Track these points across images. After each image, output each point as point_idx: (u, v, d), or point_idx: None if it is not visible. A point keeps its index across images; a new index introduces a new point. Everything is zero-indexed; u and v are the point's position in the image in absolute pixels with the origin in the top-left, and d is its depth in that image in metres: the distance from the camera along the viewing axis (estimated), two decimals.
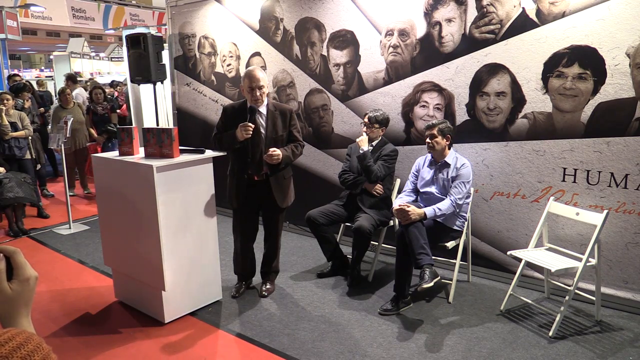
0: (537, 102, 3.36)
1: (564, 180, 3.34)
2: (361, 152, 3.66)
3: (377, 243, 3.89)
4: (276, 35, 4.82)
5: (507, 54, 3.43)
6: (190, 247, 3.23)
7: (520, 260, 3.18)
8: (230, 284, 3.69)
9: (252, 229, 3.56)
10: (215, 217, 3.38)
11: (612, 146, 3.13)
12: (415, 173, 3.63)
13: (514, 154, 3.52)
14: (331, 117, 4.54)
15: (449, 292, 3.45)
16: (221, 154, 3.34)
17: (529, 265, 3.25)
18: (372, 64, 4.17)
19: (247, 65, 5.09)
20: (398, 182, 3.97)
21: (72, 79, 8.18)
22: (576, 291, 3.00)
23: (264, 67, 4.94)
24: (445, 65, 3.73)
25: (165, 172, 3.01)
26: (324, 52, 4.48)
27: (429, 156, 3.56)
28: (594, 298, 3.10)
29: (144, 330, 3.13)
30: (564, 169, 3.33)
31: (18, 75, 8.89)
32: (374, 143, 3.79)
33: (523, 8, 3.33)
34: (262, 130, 3.31)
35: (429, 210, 3.24)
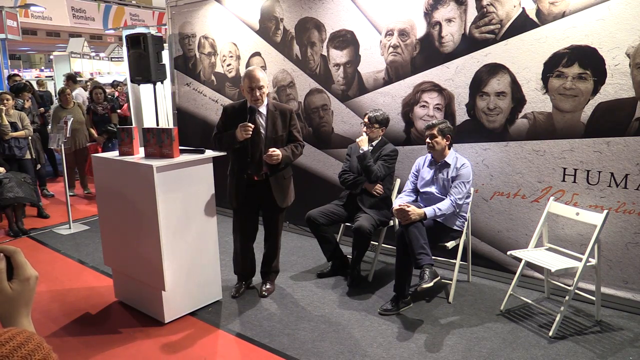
0: (537, 102, 3.37)
1: (564, 180, 3.34)
2: (361, 152, 3.66)
3: (377, 243, 3.89)
4: (276, 35, 4.82)
5: (507, 54, 3.43)
6: (190, 247, 3.23)
7: (520, 260, 3.18)
8: (230, 284, 3.69)
9: (252, 229, 3.56)
10: (215, 217, 3.38)
11: (612, 146, 3.13)
12: (415, 173, 3.63)
13: (514, 154, 3.52)
14: (331, 117, 4.54)
15: (449, 292, 3.45)
16: (221, 153, 3.34)
17: (529, 265, 3.25)
18: (372, 64, 4.17)
19: (247, 65, 5.09)
20: (398, 182, 3.97)
21: (72, 79, 8.18)
22: (576, 291, 3.00)
23: (264, 67, 4.94)
24: (445, 65, 3.73)
25: (165, 172, 3.01)
26: (324, 52, 4.48)
27: (429, 156, 3.56)
28: (594, 298, 3.10)
29: (144, 330, 3.13)
30: (564, 169, 3.33)
31: (18, 75, 8.90)
32: (374, 143, 3.79)
33: (523, 8, 3.33)
34: (262, 130, 3.31)
35: (429, 210, 3.24)
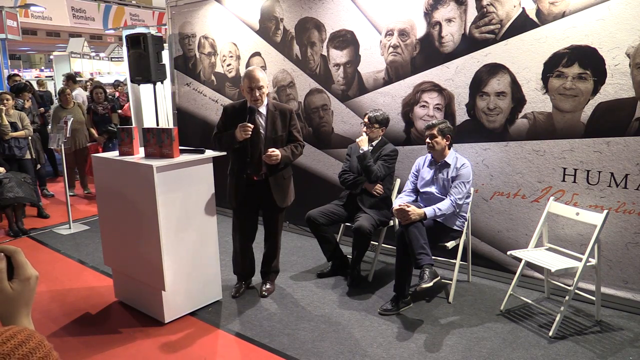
0: (537, 102, 3.37)
1: (564, 180, 3.34)
2: (361, 152, 3.66)
3: (377, 243, 3.89)
4: (276, 35, 4.82)
5: (507, 54, 3.43)
6: (190, 247, 3.24)
7: (520, 260, 3.18)
8: (230, 284, 3.69)
9: (251, 229, 3.56)
10: (215, 217, 3.38)
11: (612, 146, 3.13)
12: (415, 173, 3.63)
13: (514, 154, 3.52)
14: (331, 117, 4.54)
15: (449, 292, 3.45)
16: (221, 153, 3.34)
17: (529, 265, 3.25)
18: (372, 64, 4.17)
19: (247, 65, 5.09)
20: (398, 182, 3.98)
21: (72, 79, 8.18)
22: (576, 291, 3.00)
23: (264, 67, 4.94)
24: (445, 65, 3.73)
25: (165, 172, 3.02)
26: (324, 52, 4.48)
27: (429, 156, 3.56)
28: (594, 298, 3.10)
29: (144, 330, 3.13)
30: (564, 169, 3.33)
31: (18, 75, 8.90)
32: (374, 143, 3.79)
33: (523, 8, 3.33)
34: (262, 131, 3.31)
35: (429, 210, 3.25)
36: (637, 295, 3.19)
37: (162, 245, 3.03)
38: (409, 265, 3.25)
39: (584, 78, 3.16)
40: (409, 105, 4.00)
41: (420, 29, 3.83)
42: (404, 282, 3.29)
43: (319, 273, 3.91)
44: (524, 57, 3.37)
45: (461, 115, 3.72)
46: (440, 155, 3.44)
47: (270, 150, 3.23)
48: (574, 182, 3.30)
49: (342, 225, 4.06)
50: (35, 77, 14.22)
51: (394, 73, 4.04)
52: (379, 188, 3.72)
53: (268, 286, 3.62)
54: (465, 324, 3.12)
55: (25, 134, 5.49)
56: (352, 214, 3.76)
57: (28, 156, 5.56)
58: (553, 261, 3.03)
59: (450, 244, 3.40)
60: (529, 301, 3.30)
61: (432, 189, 3.47)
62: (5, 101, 5.38)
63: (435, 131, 3.39)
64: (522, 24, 3.35)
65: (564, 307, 2.96)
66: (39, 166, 6.16)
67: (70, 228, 5.27)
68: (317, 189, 4.62)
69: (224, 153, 3.36)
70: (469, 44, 3.59)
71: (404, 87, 4.00)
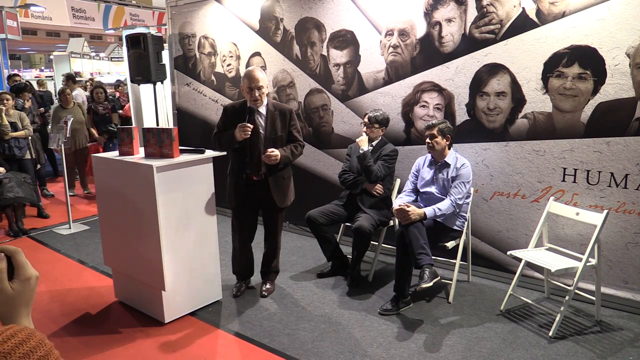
0: (537, 102, 3.37)
1: (564, 180, 3.34)
2: (361, 152, 3.66)
3: (377, 243, 3.89)
4: (276, 35, 4.82)
5: (507, 54, 3.43)
6: (190, 247, 3.24)
7: (520, 260, 3.18)
8: (230, 284, 3.69)
9: (251, 229, 3.56)
10: (215, 217, 3.38)
11: (612, 146, 3.13)
12: (415, 173, 3.63)
13: (514, 154, 3.52)
14: (331, 117, 4.54)
15: (449, 292, 3.45)
16: (221, 153, 3.34)
17: (529, 265, 3.25)
18: (372, 64, 4.17)
19: (247, 65, 5.09)
20: (398, 182, 3.98)
21: (72, 79, 8.18)
22: (576, 291, 3.00)
23: (264, 67, 4.94)
24: (445, 65, 3.73)
25: (165, 172, 3.02)
26: (324, 52, 4.48)
27: (429, 156, 3.56)
28: (594, 298, 3.10)
29: (144, 330, 3.13)
30: (564, 169, 3.33)
31: (18, 75, 8.90)
32: (374, 143, 3.79)
33: (523, 8, 3.33)
34: (261, 131, 3.31)
35: (429, 210, 3.25)
36: (637, 295, 3.19)
37: (162, 245, 3.03)
38: (409, 265, 3.25)
39: (584, 78, 3.16)
40: (409, 105, 4.00)
41: (420, 29, 3.83)
42: (404, 282, 3.29)
43: (319, 273, 3.91)
44: (524, 57, 3.37)
45: (461, 115, 3.72)
46: (440, 155, 3.44)
47: (270, 150, 3.23)
48: (574, 182, 3.30)
49: (342, 225, 4.06)
50: (35, 77, 14.22)
51: (394, 73, 4.04)
52: (379, 188, 3.72)
53: (268, 286, 3.62)
54: (465, 324, 3.12)
55: (25, 134, 5.49)
56: (352, 214, 3.76)
57: (28, 156, 5.56)
58: (553, 261, 3.03)
59: (450, 244, 3.40)
60: (529, 301, 3.30)
61: (432, 189, 3.47)
62: (5, 101, 5.38)
63: (435, 131, 3.39)
64: (522, 24, 3.35)
65: (564, 307, 2.96)
66: (39, 166, 6.17)
67: (70, 228, 5.27)
68: (317, 189, 4.62)
69: (224, 153, 3.36)
70: (469, 44, 3.59)
71: (404, 87, 4.00)
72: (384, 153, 3.72)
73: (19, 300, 0.81)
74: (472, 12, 3.54)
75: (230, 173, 3.44)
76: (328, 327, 3.10)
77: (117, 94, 8.75)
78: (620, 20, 2.98)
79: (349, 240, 3.88)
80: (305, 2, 4.54)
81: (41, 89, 10.08)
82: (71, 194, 6.29)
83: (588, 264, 2.97)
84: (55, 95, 9.11)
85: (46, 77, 14.08)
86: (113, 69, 14.23)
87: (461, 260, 3.50)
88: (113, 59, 14.91)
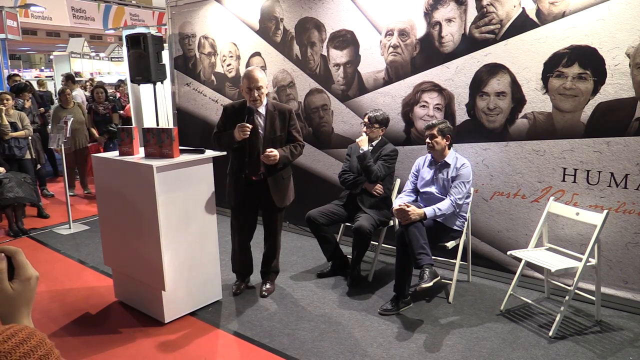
0: (537, 102, 3.37)
1: (564, 180, 3.34)
2: (361, 152, 3.66)
3: (377, 243, 3.89)
4: (276, 35, 4.82)
5: (507, 54, 3.43)
6: (190, 247, 3.24)
7: (520, 260, 3.18)
8: (230, 284, 3.69)
9: (250, 228, 3.57)
10: (215, 217, 3.38)
11: (612, 146, 3.13)
12: (415, 173, 3.63)
13: (514, 154, 3.52)
14: (331, 117, 4.54)
15: (449, 292, 3.45)
16: (221, 153, 3.34)
17: (529, 265, 3.25)
18: (372, 64, 4.17)
19: (247, 65, 5.09)
20: (398, 182, 3.98)
21: (71, 79, 8.19)
22: (576, 291, 3.00)
23: (264, 67, 4.94)
24: (445, 65, 3.73)
25: (165, 172, 3.02)
26: (324, 52, 4.48)
27: (429, 156, 3.56)
28: (594, 298, 3.10)
29: (144, 330, 3.13)
30: (564, 169, 3.33)
31: (18, 75, 8.90)
32: (374, 143, 3.79)
33: (523, 8, 3.33)
34: (260, 131, 3.31)
35: (428, 210, 3.25)
36: (637, 295, 3.19)
37: (162, 245, 3.03)
38: (409, 265, 3.25)
39: (584, 78, 3.16)
40: (409, 105, 4.00)
41: (420, 29, 3.83)
42: (404, 282, 3.29)
43: (319, 273, 3.91)
44: (524, 57, 3.37)
45: (461, 115, 3.72)
46: (440, 155, 3.44)
47: (269, 150, 3.23)
48: (574, 182, 3.30)
49: (342, 225, 4.06)
50: (35, 77, 14.23)
51: (394, 73, 4.04)
52: (379, 188, 3.72)
53: (268, 286, 3.62)
54: (465, 324, 3.12)
55: (25, 134, 5.49)
56: (352, 214, 3.76)
57: (28, 156, 5.56)
58: (553, 261, 3.03)
59: (450, 244, 3.40)
60: (529, 301, 3.30)
61: (432, 189, 3.47)
62: (5, 101, 5.38)
63: (435, 131, 3.39)
64: (522, 24, 3.35)
65: (564, 307, 2.96)
66: (39, 166, 6.17)
67: (70, 228, 5.27)
68: (317, 189, 4.62)
69: (224, 153, 3.36)
70: (469, 44, 3.59)
71: (404, 87, 4.00)
72: (384, 153, 3.72)
73: (19, 301, 0.81)
74: (472, 12, 3.54)
75: (229, 173, 3.44)
76: (328, 327, 3.10)
77: (118, 94, 8.75)
78: (620, 20, 2.98)
79: (349, 240, 3.88)
80: (305, 2, 4.54)
81: (41, 89, 10.08)
82: (71, 194, 6.29)
83: (588, 264, 2.97)
84: (55, 95, 9.10)
85: (46, 77, 14.09)
86: (113, 69, 14.24)
87: (461, 260, 3.50)
88: (113, 59, 14.92)
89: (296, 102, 4.76)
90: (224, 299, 3.51)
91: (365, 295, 3.54)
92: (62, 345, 2.98)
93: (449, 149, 3.45)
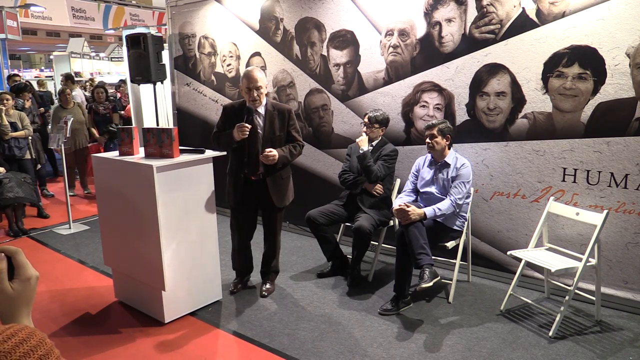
0: (537, 102, 3.37)
1: (564, 180, 3.34)
2: (361, 152, 3.66)
3: (377, 243, 3.89)
4: (276, 35, 4.82)
5: (507, 54, 3.43)
6: (190, 247, 3.24)
7: (520, 260, 3.18)
8: (230, 284, 3.69)
9: (249, 228, 3.57)
10: (215, 217, 3.38)
11: (612, 146, 3.13)
12: (415, 173, 3.63)
13: (514, 154, 3.52)
14: (331, 117, 4.54)
15: (449, 292, 3.45)
16: (221, 153, 3.34)
17: (529, 265, 3.25)
18: (372, 64, 4.17)
19: (247, 65, 5.09)
20: (398, 182, 3.98)
21: (71, 79, 8.18)
22: (576, 291, 3.00)
23: (263, 67, 4.94)
24: (445, 65, 3.73)
25: (165, 172, 3.02)
26: (324, 52, 4.48)
27: (429, 156, 3.56)
28: (594, 298, 3.10)
29: (144, 330, 3.13)
30: (564, 169, 3.33)
31: (18, 75, 8.90)
32: (374, 143, 3.79)
33: (523, 8, 3.33)
34: (259, 131, 3.31)
35: (428, 210, 3.25)
36: (637, 295, 3.19)
37: (162, 245, 3.03)
38: (409, 265, 3.25)
39: (584, 78, 3.16)
40: (409, 105, 4.00)
41: (420, 29, 3.83)
42: (404, 282, 3.29)
43: (319, 273, 3.91)
44: (524, 57, 3.37)
45: (461, 115, 3.72)
46: (440, 155, 3.44)
47: (268, 150, 3.23)
48: (574, 182, 3.30)
49: (342, 225, 4.06)
50: (35, 77, 14.24)
51: (394, 73, 4.04)
52: (379, 188, 3.72)
53: (268, 286, 3.62)
54: (465, 324, 3.12)
55: (25, 134, 5.49)
56: (352, 214, 3.76)
57: (28, 156, 5.56)
58: (553, 261, 3.03)
59: (450, 244, 3.40)
60: (529, 301, 3.30)
61: (432, 189, 3.47)
62: (5, 101, 5.38)
63: (435, 131, 3.39)
64: (522, 24, 3.35)
65: (564, 307, 2.96)
66: (39, 166, 6.17)
67: (70, 228, 5.27)
68: (317, 189, 4.62)
69: (224, 153, 3.36)
70: (469, 44, 3.59)
71: (404, 87, 4.00)
72: (384, 153, 3.72)
73: (20, 300, 0.81)
74: (472, 12, 3.54)
75: (228, 172, 3.44)
76: (328, 327, 3.10)
77: (119, 95, 8.76)
78: (620, 20, 2.98)
79: (349, 240, 3.88)
80: (305, 2, 4.54)
81: (41, 89, 10.08)
82: (71, 194, 6.29)
83: (588, 264, 2.97)
84: (55, 95, 9.10)
85: (46, 77, 14.09)
86: (113, 69, 14.24)
87: (461, 260, 3.50)
88: (113, 59, 14.92)
89: (296, 102, 4.76)
90: (224, 299, 3.51)
91: (365, 295, 3.54)
92: (62, 345, 2.98)
93: (449, 149, 3.45)
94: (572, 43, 3.16)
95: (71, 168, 6.58)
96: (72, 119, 5.63)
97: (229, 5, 5.20)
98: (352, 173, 3.83)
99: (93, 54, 14.26)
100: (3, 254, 0.81)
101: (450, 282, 3.47)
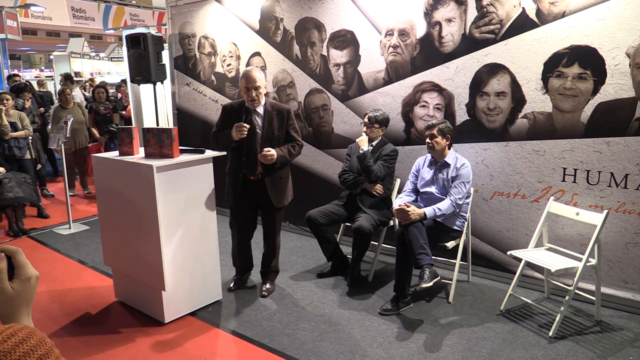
0: (537, 102, 3.37)
1: (564, 180, 3.34)
2: (361, 152, 3.66)
3: (377, 243, 3.89)
4: (276, 35, 4.82)
5: (507, 54, 3.43)
6: (191, 247, 3.24)
7: (520, 260, 3.18)
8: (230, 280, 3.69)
9: (248, 227, 3.57)
10: (215, 217, 3.38)
11: (612, 146, 3.13)
12: (415, 173, 3.63)
13: (514, 154, 3.52)
14: (331, 117, 4.54)
15: (449, 292, 3.45)
16: (221, 153, 3.34)
17: (529, 265, 3.25)
18: (372, 64, 4.17)
19: (247, 65, 5.09)
20: (398, 182, 3.98)
21: (70, 79, 8.18)
22: (576, 291, 3.00)
23: (263, 67, 4.94)
24: (445, 65, 3.73)
25: (165, 172, 3.02)
26: (324, 52, 4.48)
27: (429, 156, 3.56)
28: (594, 298, 3.10)
29: (144, 330, 3.13)
30: (564, 169, 3.33)
31: (18, 75, 8.90)
32: (374, 143, 3.79)
33: (523, 8, 3.33)
34: (258, 130, 3.31)
35: (428, 210, 3.25)
36: (637, 295, 3.19)
37: (162, 245, 3.03)
38: (409, 265, 3.25)
39: (584, 78, 3.16)
40: (409, 105, 4.00)
41: (420, 29, 3.83)
42: (404, 282, 3.29)
43: (319, 273, 3.91)
44: (524, 57, 3.37)
45: (461, 115, 3.72)
46: (440, 155, 3.44)
47: (266, 149, 3.23)
48: (574, 182, 3.30)
49: (342, 225, 4.06)
50: (35, 77, 14.23)
51: (394, 73, 4.04)
52: (379, 188, 3.72)
53: (268, 286, 3.62)
54: (465, 324, 3.12)
55: (25, 134, 5.49)
56: (352, 214, 3.76)
57: (28, 156, 5.56)
58: (553, 261, 3.03)
59: (450, 244, 3.40)
60: (529, 301, 3.30)
61: (432, 189, 3.47)
62: (5, 101, 5.38)
63: (435, 131, 3.39)
64: (522, 24, 3.35)
65: (564, 307, 2.96)
66: (39, 166, 6.17)
67: (70, 228, 5.27)
68: (317, 189, 4.62)
69: (224, 153, 3.36)
70: (469, 44, 3.59)
71: (404, 87, 4.00)
72: (384, 153, 3.72)
73: (19, 300, 0.81)
74: (472, 12, 3.54)
75: (228, 172, 3.44)
76: (328, 327, 3.10)
77: (120, 95, 8.76)
78: (620, 20, 2.98)
79: (349, 240, 3.88)
80: (305, 2, 4.54)
81: (41, 89, 10.08)
82: (71, 194, 6.29)
83: (588, 264, 2.97)
84: (55, 96, 9.10)
85: (46, 77, 14.09)
86: (113, 69, 14.24)
87: (461, 260, 3.50)
88: (113, 59, 14.92)
89: (296, 102, 4.76)
90: (223, 299, 3.51)
91: (365, 295, 3.54)
92: (62, 345, 2.98)
93: (449, 149, 3.45)
94: (572, 43, 3.16)
95: (71, 168, 6.58)
96: (72, 119, 5.63)
97: (229, 5, 5.20)
98: (352, 173, 3.83)
99: (93, 54, 14.27)
100: (3, 254, 0.81)
101: (450, 282, 3.47)
